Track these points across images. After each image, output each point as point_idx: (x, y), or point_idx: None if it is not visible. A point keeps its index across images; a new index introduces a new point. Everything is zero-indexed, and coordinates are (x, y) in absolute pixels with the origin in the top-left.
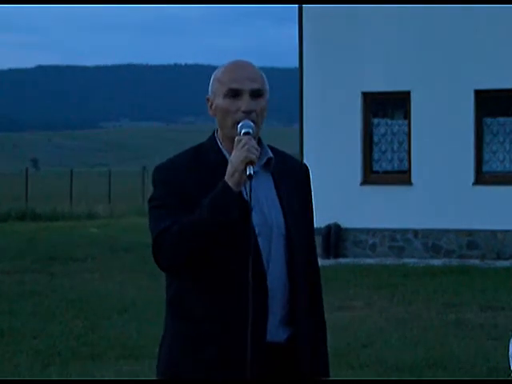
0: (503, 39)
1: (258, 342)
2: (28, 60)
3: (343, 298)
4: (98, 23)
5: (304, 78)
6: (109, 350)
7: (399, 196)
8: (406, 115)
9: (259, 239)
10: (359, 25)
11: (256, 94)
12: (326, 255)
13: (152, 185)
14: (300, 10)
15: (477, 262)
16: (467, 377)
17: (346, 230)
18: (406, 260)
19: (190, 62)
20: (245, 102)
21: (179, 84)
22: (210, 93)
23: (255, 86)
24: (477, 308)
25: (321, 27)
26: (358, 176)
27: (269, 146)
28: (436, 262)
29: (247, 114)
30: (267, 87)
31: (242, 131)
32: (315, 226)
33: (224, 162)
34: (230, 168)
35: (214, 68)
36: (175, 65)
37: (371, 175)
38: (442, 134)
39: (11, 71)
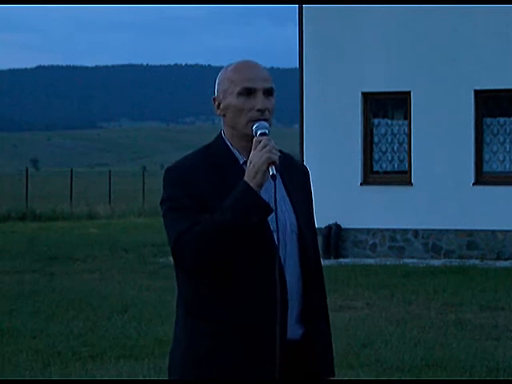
0: (503, 39)
1: (282, 340)
2: (28, 60)
3: (343, 298)
4: (98, 23)
5: (304, 78)
6: (109, 350)
7: (399, 196)
8: (406, 115)
9: (275, 236)
10: (359, 25)
11: (268, 93)
12: (326, 255)
13: (163, 187)
14: (300, 9)
15: (477, 262)
16: (467, 377)
17: (346, 230)
18: (406, 260)
19: (190, 62)
20: (259, 101)
21: (179, 84)
22: (217, 93)
23: (268, 84)
24: (477, 308)
25: (321, 27)
26: (359, 176)
27: None
28: (436, 262)
29: (262, 112)
30: (274, 88)
31: (259, 132)
32: (315, 225)
33: (234, 162)
34: (251, 169)
35: (214, 68)
36: (175, 65)
37: (371, 175)
38: (442, 135)
39: (11, 71)
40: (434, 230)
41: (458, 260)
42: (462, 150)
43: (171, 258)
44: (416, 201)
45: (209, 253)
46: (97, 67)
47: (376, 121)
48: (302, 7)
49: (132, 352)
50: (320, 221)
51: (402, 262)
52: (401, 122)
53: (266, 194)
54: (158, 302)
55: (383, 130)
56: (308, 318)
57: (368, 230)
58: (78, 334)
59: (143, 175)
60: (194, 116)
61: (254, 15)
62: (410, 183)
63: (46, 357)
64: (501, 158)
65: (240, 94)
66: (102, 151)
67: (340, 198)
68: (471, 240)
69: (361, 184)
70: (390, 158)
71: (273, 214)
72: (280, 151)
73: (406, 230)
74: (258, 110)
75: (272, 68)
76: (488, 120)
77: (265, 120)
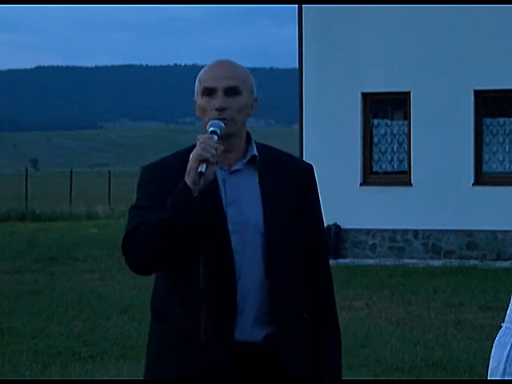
0: (503, 39)
1: (225, 341)
2: (28, 60)
3: (343, 298)
4: (98, 23)
5: (304, 78)
6: (109, 350)
7: (399, 196)
8: (406, 116)
9: (233, 237)
10: (359, 25)
11: (231, 92)
12: None
13: (137, 186)
14: (300, 9)
15: (477, 262)
16: (467, 377)
17: (346, 230)
18: (406, 260)
19: (190, 62)
20: (218, 100)
21: (179, 84)
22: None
23: (230, 83)
24: (476, 308)
25: (321, 27)
26: (358, 177)
27: (266, 145)
28: (436, 262)
29: (220, 111)
30: (249, 86)
31: (210, 130)
32: None
33: None
34: (187, 167)
35: None
36: (175, 65)
37: (371, 176)
38: (441, 135)
39: (11, 71)
40: (433, 230)
41: (457, 260)
42: (462, 151)
43: None
44: (416, 201)
45: (148, 252)
46: (97, 67)
47: (376, 121)
48: (301, 7)
49: (132, 352)
50: None
51: (401, 263)
52: (400, 123)
53: (232, 193)
54: None
55: (383, 131)
56: (275, 321)
57: (368, 231)
58: (77, 334)
59: None
60: (193, 116)
61: (254, 15)
62: (409, 184)
63: (45, 357)
64: (500, 159)
65: (203, 93)
66: (102, 151)
67: (340, 198)
68: (471, 240)
69: (360, 184)
70: (389, 159)
71: (235, 214)
72: (270, 149)
73: (405, 231)
74: (217, 109)
75: (272, 68)
76: (488, 120)
77: (225, 119)
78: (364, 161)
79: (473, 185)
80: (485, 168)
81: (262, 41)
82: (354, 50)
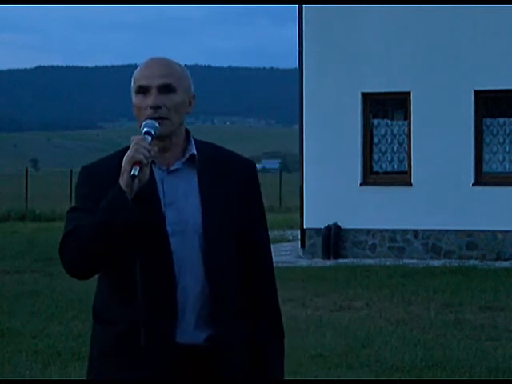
0: (503, 39)
1: (166, 344)
2: (28, 60)
3: (343, 298)
4: (98, 23)
5: (304, 78)
6: None
7: (399, 197)
8: (406, 116)
9: (172, 239)
10: (359, 25)
11: (165, 90)
12: (326, 256)
13: (75, 187)
14: (300, 9)
15: (476, 262)
16: (467, 377)
17: (346, 230)
18: (406, 260)
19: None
20: (152, 98)
21: None
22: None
23: (164, 81)
24: (476, 308)
25: (321, 27)
26: (358, 177)
27: (208, 143)
28: (436, 262)
29: (155, 109)
30: (186, 83)
31: (144, 130)
32: (315, 226)
33: None
34: (121, 168)
35: (214, 68)
36: None
37: (371, 176)
38: (441, 135)
39: (11, 71)
40: (433, 230)
41: (457, 260)
42: (462, 151)
43: None
44: (416, 201)
45: (84, 256)
46: (97, 67)
47: (376, 121)
48: (301, 7)
49: None
50: (320, 221)
51: (401, 263)
52: (400, 123)
53: (170, 193)
54: None
55: (383, 131)
56: (216, 322)
57: (368, 231)
58: (77, 334)
59: None
60: (193, 116)
61: (254, 15)
62: (409, 184)
63: (45, 357)
64: (500, 159)
65: (137, 92)
66: (101, 151)
67: (340, 198)
68: (471, 240)
69: (360, 184)
70: (389, 159)
71: (174, 215)
72: (214, 148)
73: (405, 231)
74: (151, 108)
75: (272, 68)
76: (488, 120)
77: (160, 118)
78: (364, 161)
79: (473, 185)
80: (485, 168)
81: (262, 41)
82: (353, 49)
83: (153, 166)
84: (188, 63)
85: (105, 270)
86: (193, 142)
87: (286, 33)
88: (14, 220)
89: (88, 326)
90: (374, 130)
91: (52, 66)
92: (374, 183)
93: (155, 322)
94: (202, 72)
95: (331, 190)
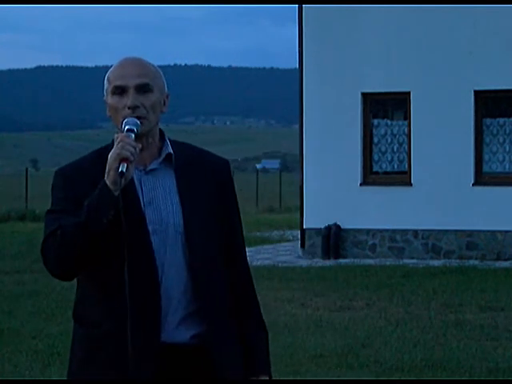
0: (503, 39)
1: (151, 343)
2: (28, 60)
3: (343, 298)
4: (98, 23)
5: (304, 78)
6: None
7: (399, 197)
8: (406, 116)
9: (154, 238)
10: (359, 25)
11: (143, 89)
12: (326, 256)
13: (50, 189)
14: (300, 9)
15: (476, 262)
16: (466, 377)
17: (346, 230)
18: (406, 260)
19: (190, 62)
20: (130, 98)
21: (179, 84)
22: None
23: (141, 80)
24: (476, 308)
25: (321, 27)
26: (358, 177)
27: (182, 142)
28: (436, 262)
29: (133, 109)
30: (160, 82)
31: (126, 128)
32: (315, 226)
33: None
34: (107, 167)
35: (214, 68)
36: (175, 65)
37: (371, 176)
38: (441, 135)
39: (11, 71)
40: (433, 230)
41: (457, 260)
42: (462, 151)
43: None
44: (416, 201)
45: (68, 256)
46: (97, 67)
47: (376, 121)
48: (301, 7)
49: None
50: (320, 221)
51: (401, 263)
52: (400, 123)
53: (149, 193)
54: None
55: (383, 131)
56: (201, 321)
57: (368, 231)
58: None
59: None
60: (193, 116)
61: (254, 15)
62: (409, 184)
63: (45, 357)
64: (500, 159)
65: (113, 93)
66: None
67: (340, 198)
68: (471, 240)
69: (360, 184)
70: (389, 159)
71: (154, 215)
72: (190, 147)
73: (405, 231)
74: (129, 108)
75: (272, 68)
76: (488, 120)
77: (138, 117)
78: (364, 161)
79: (473, 185)
80: (485, 168)
81: (262, 41)
82: (353, 49)
83: None
84: (188, 63)
85: (87, 270)
86: (168, 142)
87: (286, 33)
88: (14, 220)
89: None
90: (374, 130)
91: (52, 66)
92: (374, 183)
93: (140, 321)
94: (201, 72)
95: (331, 189)
